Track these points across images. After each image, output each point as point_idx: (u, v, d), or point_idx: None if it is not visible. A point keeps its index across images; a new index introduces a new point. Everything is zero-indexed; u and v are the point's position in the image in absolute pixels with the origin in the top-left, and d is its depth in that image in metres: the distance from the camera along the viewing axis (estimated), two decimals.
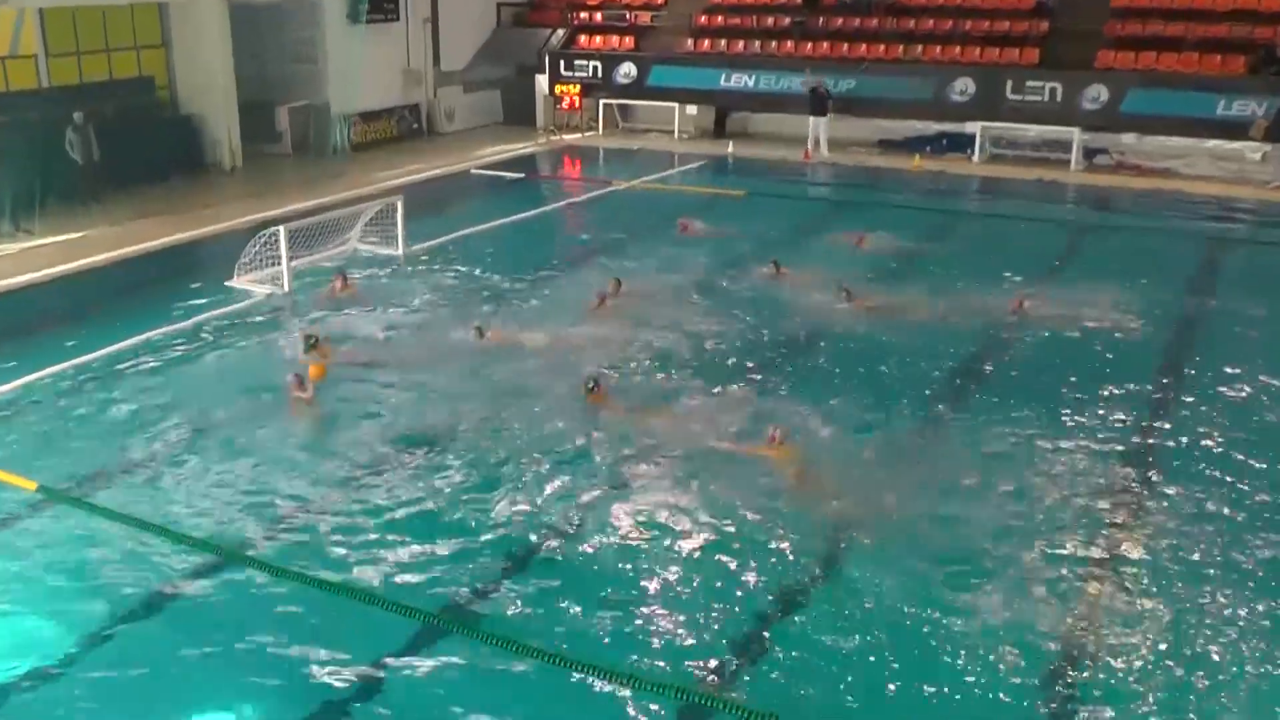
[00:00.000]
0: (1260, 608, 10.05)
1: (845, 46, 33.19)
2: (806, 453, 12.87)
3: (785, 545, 11.06)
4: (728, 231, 22.99)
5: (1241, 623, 9.81)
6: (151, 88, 28.64)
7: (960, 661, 9.32)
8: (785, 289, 18.84)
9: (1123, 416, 14.02)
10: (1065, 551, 10.98)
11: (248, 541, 11.12)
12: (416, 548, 10.95)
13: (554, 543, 11.17)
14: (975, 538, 11.15)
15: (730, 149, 32.65)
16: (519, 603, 10.15)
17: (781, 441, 12.74)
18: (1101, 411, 14.13)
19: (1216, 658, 9.37)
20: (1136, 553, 11.01)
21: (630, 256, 21.19)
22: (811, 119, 31.48)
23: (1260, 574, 10.58)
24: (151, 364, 15.80)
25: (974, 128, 30.94)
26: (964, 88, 30.92)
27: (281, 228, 18.97)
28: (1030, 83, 30.21)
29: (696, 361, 15.79)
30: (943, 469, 12.63)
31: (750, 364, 15.75)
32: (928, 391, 14.85)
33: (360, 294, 18.77)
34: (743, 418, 13.78)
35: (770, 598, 10.30)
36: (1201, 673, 9.21)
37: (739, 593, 10.36)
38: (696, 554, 10.92)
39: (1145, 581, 10.53)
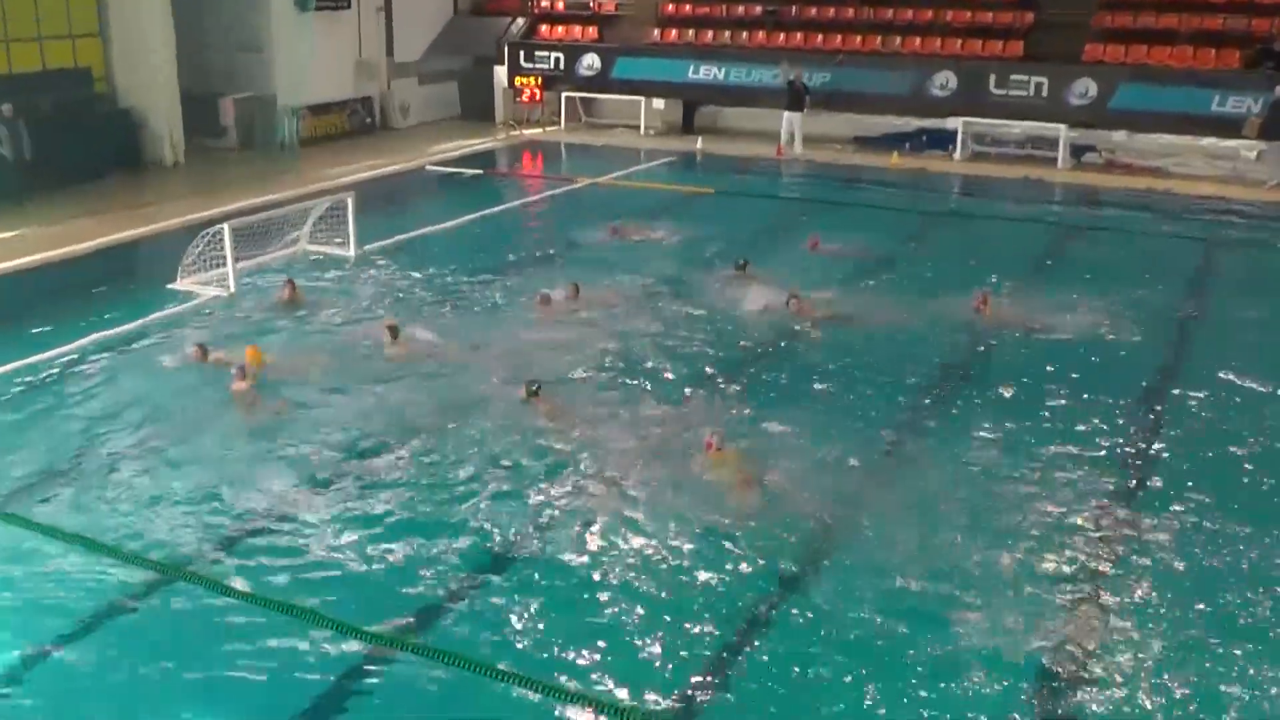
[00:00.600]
0: (1263, 624, 9.98)
1: (820, 37, 33.28)
2: (753, 459, 12.76)
3: (739, 560, 10.93)
4: (690, 232, 22.99)
5: (1246, 644, 9.73)
6: (88, 79, 28.34)
7: (936, 687, 9.15)
8: (747, 293, 18.68)
9: (1107, 424, 13.90)
10: (1047, 568, 10.84)
11: (194, 556, 10.96)
12: (363, 565, 10.83)
13: (498, 553, 11.09)
14: (947, 553, 11.01)
15: (699, 145, 32.69)
16: (471, 621, 10.04)
17: (719, 448, 12.59)
18: (1084, 420, 14.02)
19: (1221, 685, 9.27)
20: (1123, 569, 10.90)
21: (590, 257, 21.10)
22: (786, 113, 31.46)
23: (1260, 590, 10.50)
24: (89, 371, 15.58)
25: (955, 124, 31.02)
26: (945, 81, 31.02)
27: (226, 226, 18.80)
28: (1015, 77, 30.33)
29: (643, 369, 15.68)
30: (908, 481, 12.53)
31: (702, 371, 15.63)
32: (899, 398, 14.75)
33: (307, 299, 18.60)
34: (688, 426, 13.69)
35: (726, 614, 10.14)
36: (1200, 696, 9.12)
37: (695, 608, 10.20)
38: (647, 571, 10.77)
39: (1135, 600, 10.42)
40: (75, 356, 16.04)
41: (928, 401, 14.77)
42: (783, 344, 16.83)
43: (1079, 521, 11.64)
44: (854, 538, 11.40)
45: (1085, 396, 14.69)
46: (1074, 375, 15.42)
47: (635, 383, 15.16)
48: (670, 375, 15.47)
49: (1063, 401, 14.60)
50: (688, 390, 14.94)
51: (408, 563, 10.87)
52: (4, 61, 26.47)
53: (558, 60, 35.60)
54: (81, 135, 26.77)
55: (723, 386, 15.10)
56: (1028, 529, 11.45)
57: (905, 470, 12.86)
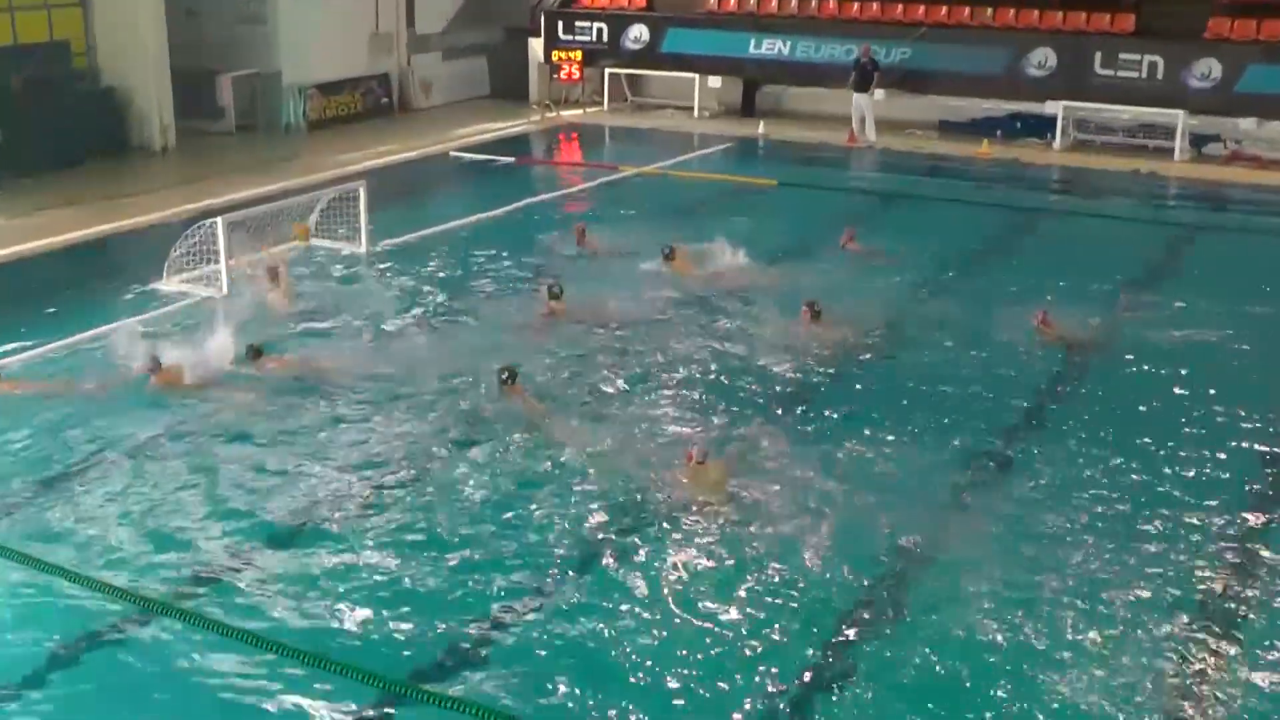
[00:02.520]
0: None
1: (899, 8, 33.02)
2: (740, 469, 13.01)
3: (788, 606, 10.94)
4: (748, 230, 22.68)
5: None
6: (66, 54, 28.43)
7: None
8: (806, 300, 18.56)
9: (1223, 458, 13.71)
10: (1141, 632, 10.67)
11: (170, 587, 11.10)
12: (355, 601, 10.92)
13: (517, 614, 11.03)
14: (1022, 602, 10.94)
15: (760, 129, 32.55)
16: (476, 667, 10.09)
17: (701, 461, 12.80)
18: (1194, 454, 13.83)
19: None
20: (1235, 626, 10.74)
21: (632, 257, 20.96)
22: (855, 95, 31.33)
23: None
24: (71, 373, 15.80)
25: (1055, 108, 30.73)
26: (1043, 60, 30.75)
27: (220, 220, 18.86)
28: (1124, 55, 30.00)
29: (656, 380, 15.93)
30: (964, 522, 12.53)
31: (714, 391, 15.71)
32: (952, 428, 14.60)
33: (298, 295, 18.83)
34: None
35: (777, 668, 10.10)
36: None
37: (735, 663, 10.17)
38: (653, 603, 10.91)
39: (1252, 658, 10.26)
40: (44, 362, 16.20)
41: (1037, 431, 14.67)
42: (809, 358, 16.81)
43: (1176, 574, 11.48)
44: (922, 580, 11.37)
45: (1195, 429, 14.49)
46: (1183, 404, 15.22)
47: (640, 396, 15.36)
48: (689, 382, 15.71)
49: (1180, 433, 14.40)
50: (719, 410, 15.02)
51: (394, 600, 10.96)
52: None
53: (600, 32, 35.45)
54: (58, 117, 26.77)
55: (744, 409, 15.13)
56: (1116, 588, 11.28)
57: (960, 509, 12.86)
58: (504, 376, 14.86)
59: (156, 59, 28.80)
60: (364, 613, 10.71)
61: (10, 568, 11.32)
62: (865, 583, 11.27)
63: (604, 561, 11.67)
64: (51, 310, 18.19)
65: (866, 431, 14.28)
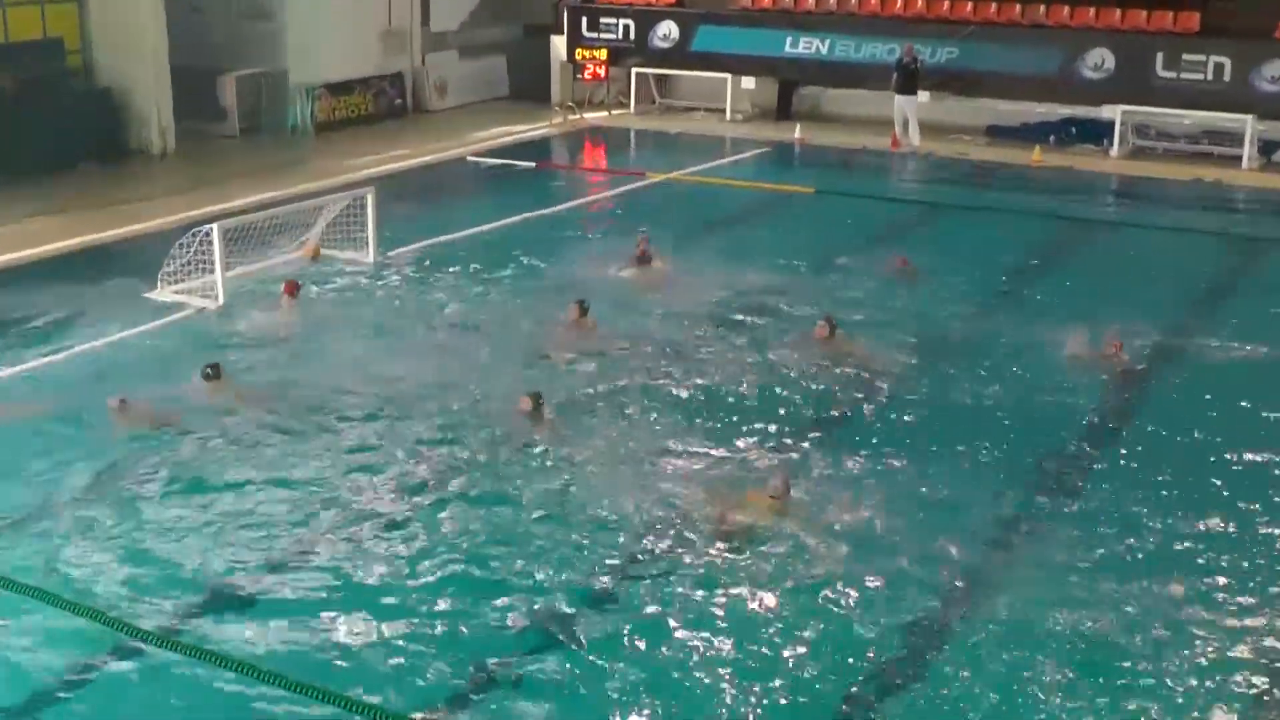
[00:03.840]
0: None
1: (946, 5, 32.87)
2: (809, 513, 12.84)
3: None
4: (782, 240, 22.93)
5: None
6: (59, 52, 28.42)
7: None
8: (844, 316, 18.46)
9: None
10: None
11: (161, 616, 11.07)
12: (368, 633, 10.86)
13: (524, 620, 11.10)
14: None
15: (797, 134, 32.39)
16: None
17: (780, 496, 12.76)
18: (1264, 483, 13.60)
19: None
20: None
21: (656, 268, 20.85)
22: (897, 97, 31.14)
23: None
24: (45, 395, 15.73)
25: (1112, 113, 30.54)
26: (1100, 61, 30.55)
27: (215, 226, 18.79)
28: (1188, 56, 29.78)
29: (673, 400, 15.87)
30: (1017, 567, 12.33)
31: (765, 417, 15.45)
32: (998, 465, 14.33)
33: (307, 311, 18.88)
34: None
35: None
36: None
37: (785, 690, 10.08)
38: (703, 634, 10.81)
39: None
40: (27, 378, 16.28)
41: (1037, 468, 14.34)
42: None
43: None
44: (973, 616, 11.19)
45: (1264, 455, 14.25)
46: (1249, 429, 14.93)
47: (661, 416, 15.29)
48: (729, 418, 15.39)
49: (1235, 459, 14.19)
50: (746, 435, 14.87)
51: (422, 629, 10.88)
52: None
53: (627, 29, 35.40)
54: (50, 118, 26.68)
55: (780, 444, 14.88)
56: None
57: (1012, 540, 12.73)
58: (530, 405, 14.83)
59: (155, 57, 28.66)
60: (373, 643, 10.70)
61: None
62: (909, 618, 11.12)
63: (627, 592, 11.59)
64: (37, 323, 18.11)
65: (910, 456, 14.10)
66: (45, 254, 21.45)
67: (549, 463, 14.06)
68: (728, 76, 34.49)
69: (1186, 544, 12.37)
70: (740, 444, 14.53)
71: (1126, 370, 16.91)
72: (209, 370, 15.62)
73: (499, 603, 11.27)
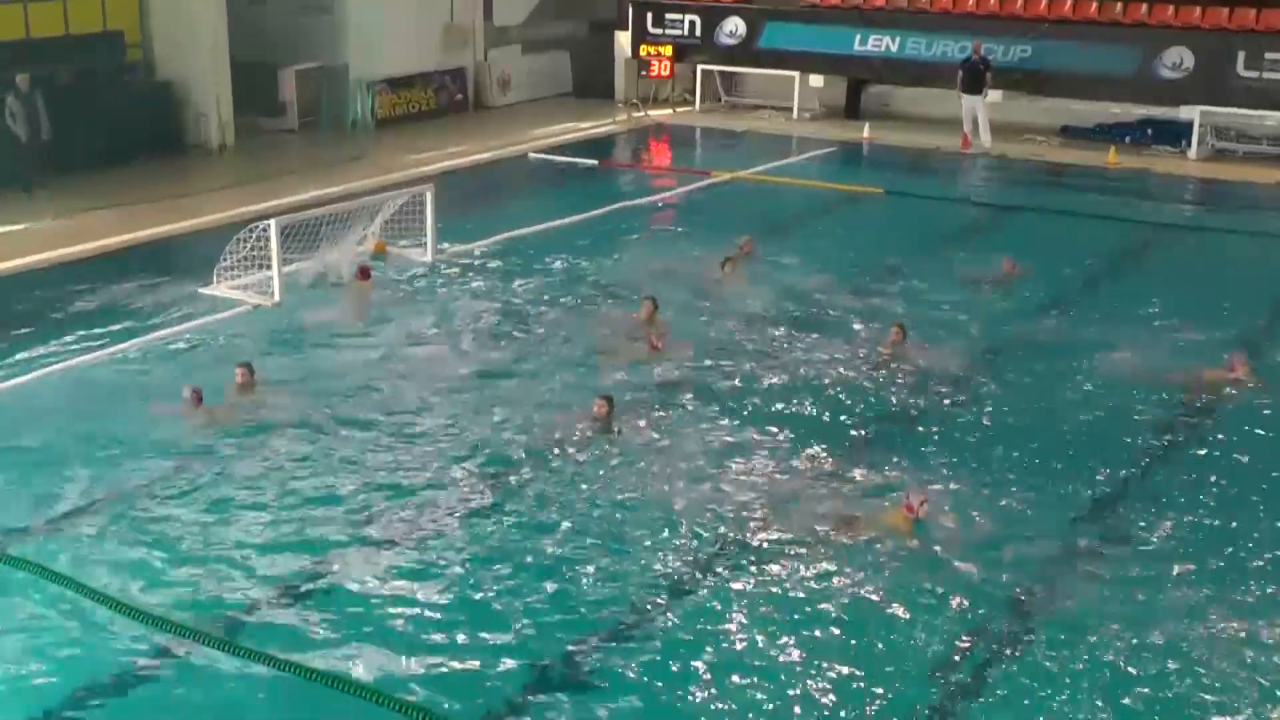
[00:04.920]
0: None
1: (1020, 2, 32.73)
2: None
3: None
4: (851, 243, 22.97)
5: None
6: (119, 45, 28.71)
7: None
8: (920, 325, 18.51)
9: None
10: None
11: (216, 616, 11.19)
12: (425, 633, 10.98)
13: (604, 638, 11.06)
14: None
15: (865, 133, 32.37)
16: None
17: (917, 515, 12.71)
18: None
19: None
20: None
21: (717, 272, 20.77)
22: (965, 97, 31.10)
23: None
24: (98, 392, 15.87)
25: (1191, 113, 30.35)
26: (1178, 60, 30.39)
27: (272, 222, 18.94)
28: (1271, 55, 29.59)
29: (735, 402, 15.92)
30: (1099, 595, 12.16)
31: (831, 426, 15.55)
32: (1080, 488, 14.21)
33: (363, 310, 19.15)
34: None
35: None
36: None
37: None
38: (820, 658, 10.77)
39: None
40: (81, 373, 16.41)
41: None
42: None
43: None
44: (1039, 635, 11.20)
45: None
46: None
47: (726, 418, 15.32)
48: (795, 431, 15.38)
49: None
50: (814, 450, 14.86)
51: (488, 639, 10.94)
52: (20, 25, 26.81)
53: (693, 25, 35.43)
54: (110, 112, 27.05)
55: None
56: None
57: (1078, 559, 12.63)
58: (605, 408, 14.87)
59: (215, 51, 29.02)
60: (433, 646, 10.77)
61: (46, 589, 11.46)
62: (969, 638, 11.13)
63: (698, 599, 11.68)
64: (91, 319, 18.35)
65: (977, 468, 14.16)
66: (101, 249, 21.70)
67: (622, 465, 14.14)
68: (795, 74, 34.49)
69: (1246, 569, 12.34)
70: (811, 450, 14.58)
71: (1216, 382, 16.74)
72: (244, 370, 15.75)
73: (564, 611, 11.41)
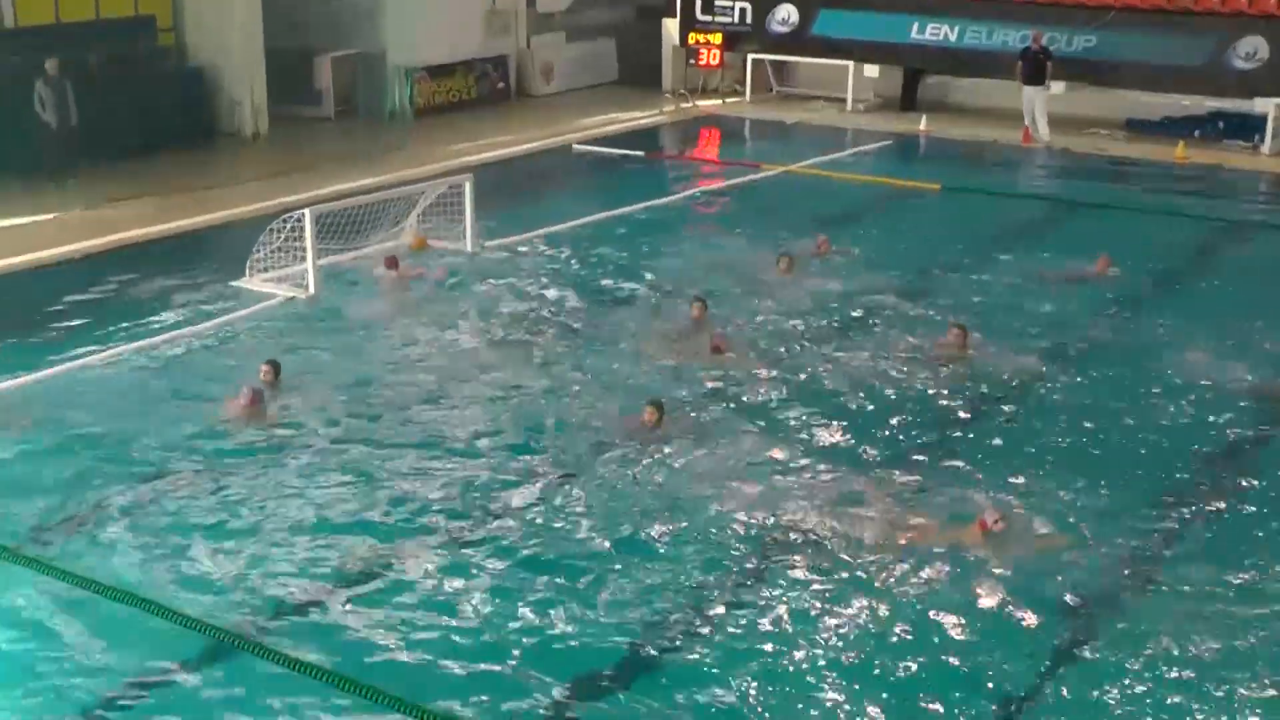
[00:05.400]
0: None
1: None
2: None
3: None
4: (905, 241, 22.76)
5: None
6: (151, 30, 28.75)
7: None
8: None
9: None
10: None
11: (251, 622, 11.12)
12: (465, 640, 10.89)
13: (664, 651, 10.92)
14: None
15: (922, 125, 32.20)
16: None
17: (995, 528, 12.47)
18: None
19: None
20: None
21: (763, 269, 20.57)
22: (1025, 88, 30.78)
23: None
24: (124, 387, 15.89)
25: (1265, 106, 30.04)
26: (1252, 50, 30.06)
27: (307, 212, 18.92)
28: None
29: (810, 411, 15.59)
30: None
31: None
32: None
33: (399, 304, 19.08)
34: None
35: None
36: None
37: None
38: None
39: None
40: (107, 368, 16.37)
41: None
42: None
43: None
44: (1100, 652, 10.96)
45: None
46: None
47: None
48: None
49: None
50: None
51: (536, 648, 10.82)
52: (50, 9, 26.84)
53: (744, 12, 35.30)
54: (140, 99, 26.98)
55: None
56: None
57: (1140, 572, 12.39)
58: (657, 409, 14.62)
59: (249, 37, 29.00)
60: (473, 652, 10.73)
61: (72, 591, 11.40)
62: (1033, 650, 10.95)
63: (751, 608, 11.52)
64: (120, 312, 18.32)
65: (1041, 475, 13.88)
66: (131, 239, 21.63)
67: (672, 471, 13.91)
68: (849, 64, 34.26)
69: None
70: (866, 455, 14.42)
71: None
72: (268, 367, 15.61)
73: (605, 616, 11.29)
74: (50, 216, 22.61)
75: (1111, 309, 19.38)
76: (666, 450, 14.21)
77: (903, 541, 12.48)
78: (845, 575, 11.95)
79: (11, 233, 21.68)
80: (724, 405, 15.63)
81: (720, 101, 35.55)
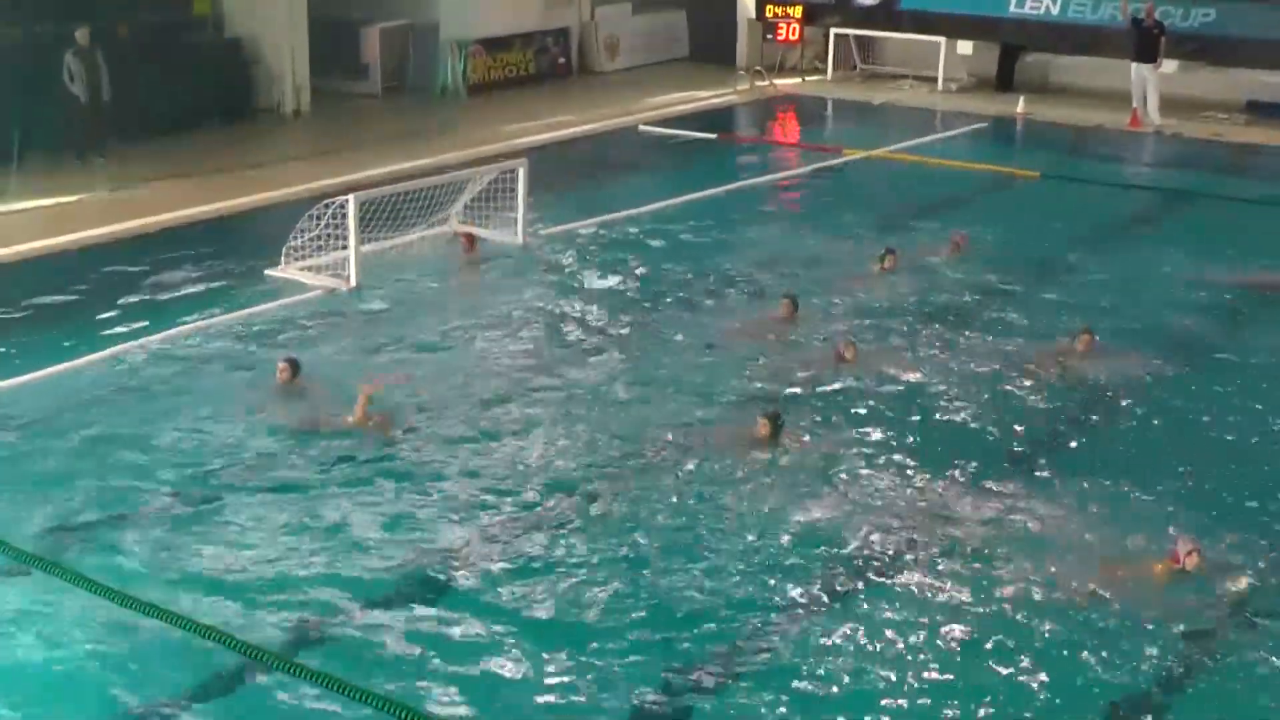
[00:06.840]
0: None
1: None
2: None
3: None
4: (1000, 235, 22.42)
5: None
6: (187, 0, 28.79)
7: None
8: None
9: None
10: None
11: (279, 637, 11.04)
12: (528, 668, 10.68)
13: (755, 667, 10.86)
14: None
15: (1020, 107, 32.09)
16: None
17: (1183, 566, 12.15)
18: None
19: None
20: None
21: (853, 264, 20.44)
22: (1134, 66, 30.49)
23: None
24: (149, 383, 15.83)
25: None
26: None
27: (350, 197, 18.79)
28: None
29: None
30: None
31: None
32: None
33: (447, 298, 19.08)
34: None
35: None
36: None
37: None
38: None
39: None
40: (131, 362, 16.33)
41: None
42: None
43: None
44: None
45: None
46: None
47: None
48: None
49: None
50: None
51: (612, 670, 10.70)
52: None
53: None
54: (175, 72, 27.11)
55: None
56: None
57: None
58: (777, 420, 14.36)
59: (291, 6, 29.11)
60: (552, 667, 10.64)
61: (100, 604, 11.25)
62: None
63: (860, 623, 11.40)
64: (144, 302, 18.30)
65: (1163, 491, 13.64)
66: (161, 223, 21.59)
67: (782, 486, 13.69)
68: (940, 40, 34.31)
69: None
70: (970, 465, 14.17)
71: None
72: (285, 365, 15.53)
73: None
74: (76, 198, 22.60)
75: (1233, 310, 19.17)
76: (776, 467, 13.97)
77: (1091, 582, 12.15)
78: (947, 588, 11.87)
79: (33, 216, 21.66)
80: (831, 412, 15.37)
81: (799, 80, 35.51)
